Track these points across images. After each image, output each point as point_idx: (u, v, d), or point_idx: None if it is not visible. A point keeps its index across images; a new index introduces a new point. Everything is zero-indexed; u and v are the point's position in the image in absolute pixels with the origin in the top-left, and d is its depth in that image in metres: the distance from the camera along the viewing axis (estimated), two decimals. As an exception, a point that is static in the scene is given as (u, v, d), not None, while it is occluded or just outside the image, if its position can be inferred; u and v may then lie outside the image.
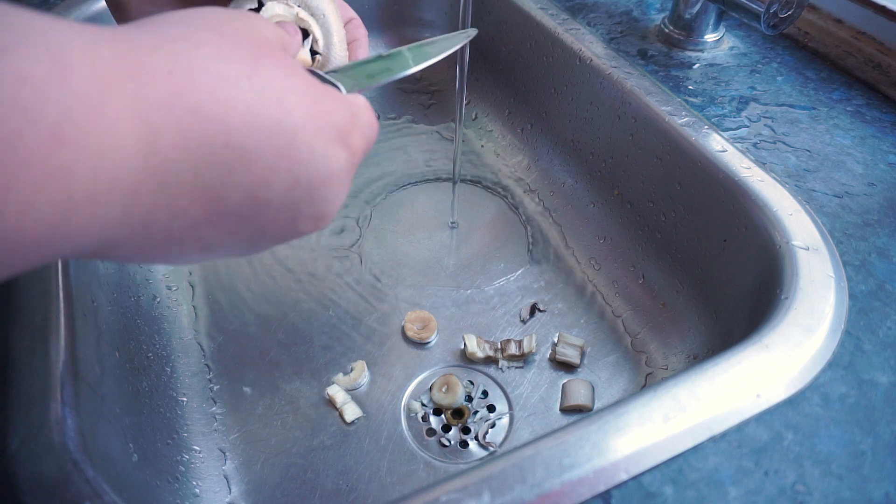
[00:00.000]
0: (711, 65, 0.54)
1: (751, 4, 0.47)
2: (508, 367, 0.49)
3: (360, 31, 0.35)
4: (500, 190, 0.63)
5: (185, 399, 0.46)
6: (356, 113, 0.24)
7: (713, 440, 0.30)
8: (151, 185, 0.18)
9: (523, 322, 0.50)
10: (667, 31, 0.56)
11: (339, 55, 0.33)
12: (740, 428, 0.30)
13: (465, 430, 0.45)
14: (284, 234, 0.23)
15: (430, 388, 0.47)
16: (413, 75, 0.39)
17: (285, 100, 0.21)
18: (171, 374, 0.46)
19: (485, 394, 0.47)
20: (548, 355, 0.49)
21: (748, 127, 0.48)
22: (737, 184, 0.42)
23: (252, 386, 0.48)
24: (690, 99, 0.50)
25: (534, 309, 0.46)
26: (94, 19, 0.60)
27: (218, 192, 0.20)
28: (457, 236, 0.59)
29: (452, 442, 0.45)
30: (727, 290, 0.44)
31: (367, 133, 0.25)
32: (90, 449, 0.29)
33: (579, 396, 0.46)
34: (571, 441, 0.28)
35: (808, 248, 0.37)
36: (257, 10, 0.32)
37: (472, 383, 0.48)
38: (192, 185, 0.19)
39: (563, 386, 0.47)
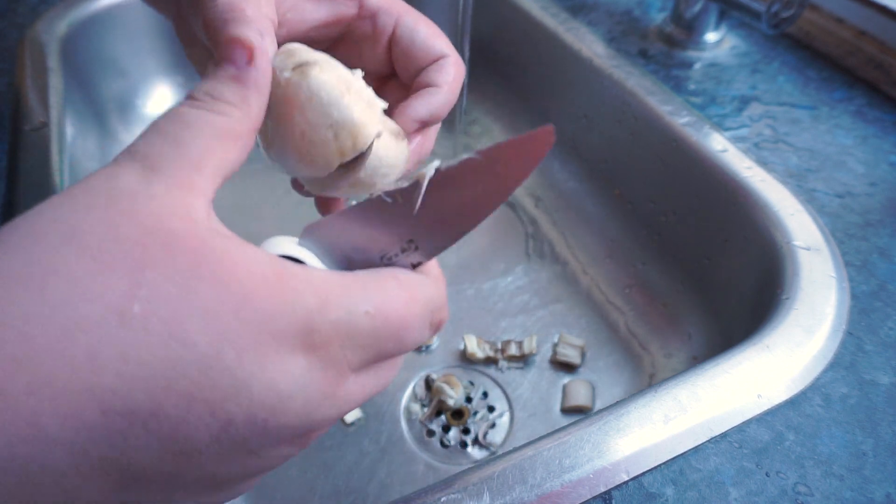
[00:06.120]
0: (712, 64, 0.54)
1: (752, 4, 0.47)
2: (508, 368, 0.49)
3: (444, 74, 0.25)
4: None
5: (184, 399, 0.46)
6: (323, 304, 0.17)
7: (714, 441, 0.29)
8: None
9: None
10: (667, 30, 0.56)
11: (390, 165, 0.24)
12: (741, 428, 0.30)
13: (466, 431, 0.45)
14: (249, 470, 0.19)
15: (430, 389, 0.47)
16: None
17: (182, 329, 0.16)
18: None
19: (485, 394, 0.47)
20: (548, 356, 0.49)
21: (749, 127, 0.47)
22: (738, 184, 0.42)
23: (252, 386, 0.48)
24: (691, 99, 0.50)
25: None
26: (94, 19, 0.60)
27: (118, 461, 0.16)
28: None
29: (452, 443, 0.45)
30: (728, 290, 0.44)
31: (344, 329, 0.18)
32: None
33: (580, 397, 0.46)
34: (572, 441, 0.28)
35: (809, 249, 0.37)
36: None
37: (472, 384, 0.48)
38: (68, 465, 0.15)
39: (564, 386, 0.47)
